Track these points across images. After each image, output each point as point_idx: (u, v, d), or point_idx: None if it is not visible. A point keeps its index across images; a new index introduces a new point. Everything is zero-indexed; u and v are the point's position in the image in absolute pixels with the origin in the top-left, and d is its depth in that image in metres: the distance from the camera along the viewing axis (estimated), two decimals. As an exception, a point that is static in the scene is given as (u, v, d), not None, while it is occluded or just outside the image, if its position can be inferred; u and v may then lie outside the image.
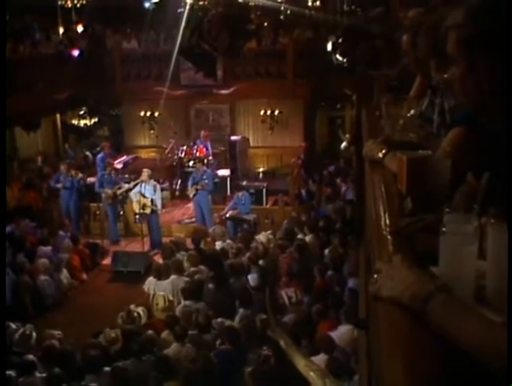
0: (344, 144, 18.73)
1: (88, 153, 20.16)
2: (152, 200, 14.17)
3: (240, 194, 14.90)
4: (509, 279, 1.24)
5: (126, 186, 14.93)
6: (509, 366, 1.09)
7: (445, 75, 2.02)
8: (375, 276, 1.53)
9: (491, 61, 1.53)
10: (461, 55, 1.60)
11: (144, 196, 14.07)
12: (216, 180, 16.14)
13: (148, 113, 19.53)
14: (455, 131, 2.18)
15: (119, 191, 14.89)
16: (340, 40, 16.14)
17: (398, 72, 4.41)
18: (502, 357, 1.15)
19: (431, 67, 2.63)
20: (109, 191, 14.83)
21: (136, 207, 14.23)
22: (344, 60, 15.42)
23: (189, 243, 12.84)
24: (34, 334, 9.12)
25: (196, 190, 14.86)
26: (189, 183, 15.22)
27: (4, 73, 13.26)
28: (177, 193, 17.03)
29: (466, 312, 1.28)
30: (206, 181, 14.97)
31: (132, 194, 14.41)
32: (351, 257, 9.32)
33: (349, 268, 9.26)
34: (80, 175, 15.80)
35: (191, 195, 15.12)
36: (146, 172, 14.33)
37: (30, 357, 7.98)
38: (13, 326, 9.12)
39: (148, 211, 14.19)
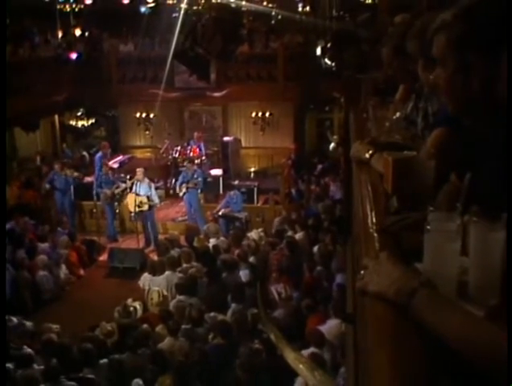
0: (332, 145, 18.75)
1: (85, 153, 20.11)
2: (148, 197, 14.16)
3: (232, 193, 14.92)
4: (509, 278, 1.24)
5: (124, 185, 14.90)
6: (510, 366, 1.09)
7: (431, 76, 2.02)
8: (362, 272, 1.54)
9: (482, 60, 1.53)
10: (452, 56, 1.60)
11: (139, 195, 14.04)
12: (209, 179, 16.17)
13: (143, 115, 19.50)
14: (436, 132, 2.18)
15: (117, 191, 14.86)
16: (328, 45, 16.17)
17: (385, 76, 4.41)
18: (483, 350, 1.16)
19: (418, 66, 2.63)
20: (108, 192, 14.80)
21: (131, 207, 14.19)
22: (333, 64, 15.45)
23: (183, 240, 12.84)
24: (29, 325, 9.12)
25: (187, 188, 14.89)
26: (178, 183, 15.27)
27: (4, 75, 13.19)
28: (171, 192, 17.03)
29: (449, 307, 1.28)
30: (199, 179, 15.04)
31: (129, 193, 14.38)
32: (339, 254, 9.34)
33: (337, 265, 9.28)
34: (76, 174, 15.77)
35: (180, 194, 15.14)
36: (140, 171, 14.30)
37: (28, 350, 7.96)
38: (14, 320, 9.10)
39: (145, 207, 14.17)
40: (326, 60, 16.62)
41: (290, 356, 4.15)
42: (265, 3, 20.64)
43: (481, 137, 1.64)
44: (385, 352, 1.29)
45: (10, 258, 11.63)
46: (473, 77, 1.57)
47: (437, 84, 1.72)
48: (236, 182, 16.36)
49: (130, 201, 14.18)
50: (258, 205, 16.02)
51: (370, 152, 2.53)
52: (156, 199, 14.51)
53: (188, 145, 17.57)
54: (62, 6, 20.00)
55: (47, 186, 15.39)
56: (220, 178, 16.75)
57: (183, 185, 14.95)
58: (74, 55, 18.73)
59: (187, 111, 19.70)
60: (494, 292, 1.28)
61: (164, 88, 17.91)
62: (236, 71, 18.67)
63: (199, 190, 15.30)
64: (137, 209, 14.06)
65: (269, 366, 6.84)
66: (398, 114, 3.08)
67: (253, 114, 18.96)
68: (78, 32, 21.31)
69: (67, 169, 15.78)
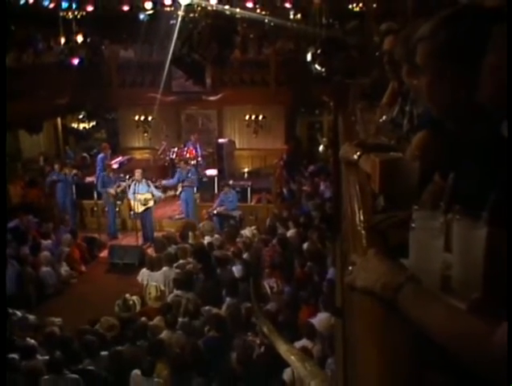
0: (322, 147, 18.76)
1: (85, 154, 20.05)
2: (152, 193, 14.19)
3: (227, 191, 14.93)
4: (509, 279, 1.24)
5: (124, 184, 14.87)
6: (510, 366, 1.09)
7: (415, 82, 2.02)
8: (350, 267, 1.54)
9: (464, 68, 1.53)
10: (434, 64, 1.60)
11: (139, 194, 14.02)
12: (205, 179, 16.17)
13: (142, 118, 19.46)
14: (420, 135, 2.18)
15: (119, 189, 14.84)
16: (318, 51, 16.18)
17: (372, 81, 4.41)
18: (465, 342, 1.16)
19: (403, 71, 2.63)
20: (112, 191, 14.78)
21: (136, 206, 14.13)
22: (323, 70, 15.46)
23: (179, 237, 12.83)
24: (33, 318, 9.10)
25: (183, 187, 14.93)
26: (174, 180, 15.36)
27: (4, 77, 13.06)
28: (168, 191, 17.02)
29: (433, 300, 1.28)
30: (193, 177, 15.09)
31: (130, 195, 14.35)
32: (329, 250, 9.35)
33: (328, 261, 9.30)
34: (74, 171, 15.76)
35: (177, 193, 15.16)
36: (138, 172, 14.30)
37: (32, 341, 7.94)
38: (18, 313, 9.08)
39: (151, 203, 14.22)
40: (316, 66, 16.62)
41: (282, 348, 4.15)
42: (258, 11, 20.59)
43: (464, 138, 1.65)
44: (372, 345, 1.29)
45: (15, 254, 11.61)
46: (455, 84, 1.57)
47: (420, 90, 1.73)
48: (230, 182, 16.35)
49: (134, 201, 14.14)
50: (252, 204, 16.02)
51: (358, 153, 2.53)
52: (159, 193, 14.56)
53: (185, 146, 17.57)
54: (65, 14, 19.91)
55: (55, 177, 15.37)
56: (216, 178, 16.75)
57: (179, 184, 14.99)
58: (76, 61, 18.68)
59: (184, 114, 19.66)
60: (476, 286, 1.28)
61: (162, 92, 17.89)
62: (230, 76, 18.68)
63: (194, 189, 15.33)
64: (142, 207, 14.07)
65: (263, 357, 6.84)
66: (384, 117, 3.08)
67: (247, 117, 18.96)
68: (80, 38, 21.23)
69: (66, 168, 15.76)
